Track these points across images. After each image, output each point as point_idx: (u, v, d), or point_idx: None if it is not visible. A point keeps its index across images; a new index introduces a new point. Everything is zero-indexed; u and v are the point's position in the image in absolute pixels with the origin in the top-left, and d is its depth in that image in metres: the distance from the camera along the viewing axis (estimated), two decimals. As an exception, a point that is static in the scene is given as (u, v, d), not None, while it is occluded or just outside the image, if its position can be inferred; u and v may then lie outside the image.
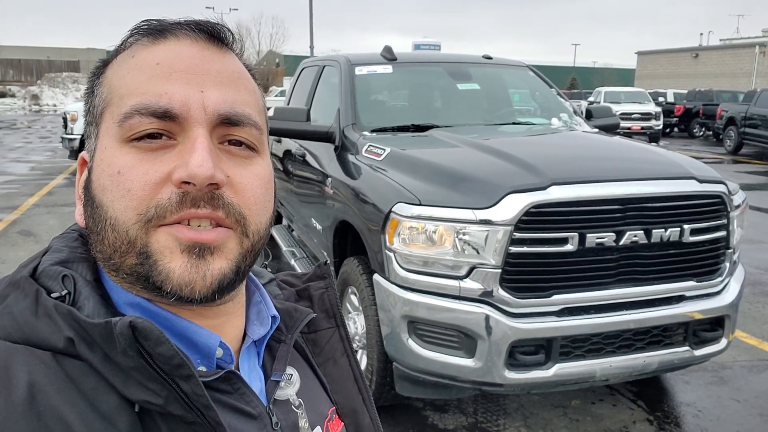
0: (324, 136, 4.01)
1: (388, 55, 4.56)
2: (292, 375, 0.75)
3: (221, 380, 0.64)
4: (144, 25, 0.65)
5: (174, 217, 0.59)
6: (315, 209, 4.22)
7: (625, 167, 2.97)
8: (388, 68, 4.47)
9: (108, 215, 0.60)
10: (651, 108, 21.25)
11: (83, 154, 0.68)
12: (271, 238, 5.96)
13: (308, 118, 4.08)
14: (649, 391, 3.65)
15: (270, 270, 0.85)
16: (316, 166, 4.17)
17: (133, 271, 0.60)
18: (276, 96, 23.52)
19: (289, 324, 0.77)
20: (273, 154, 5.56)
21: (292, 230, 5.65)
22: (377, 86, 4.56)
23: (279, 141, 5.29)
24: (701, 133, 23.22)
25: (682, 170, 2.98)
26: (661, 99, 25.50)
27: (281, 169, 5.25)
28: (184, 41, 0.63)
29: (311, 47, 30.18)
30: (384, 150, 3.45)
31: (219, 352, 0.65)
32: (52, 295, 0.59)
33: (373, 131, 3.92)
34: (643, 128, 20.24)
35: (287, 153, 5.00)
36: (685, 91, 26.60)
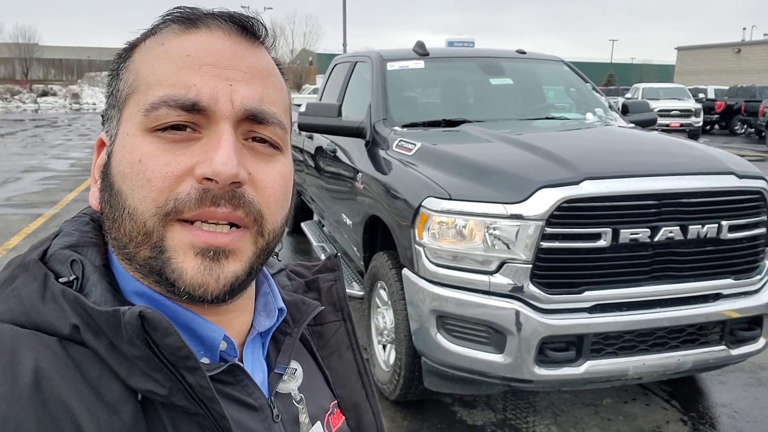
0: (355, 132, 4.02)
1: (420, 51, 4.55)
2: (296, 370, 0.74)
3: (224, 372, 0.64)
4: (176, 12, 0.64)
5: (192, 214, 0.58)
6: (345, 205, 4.24)
7: (660, 161, 2.91)
8: (420, 63, 4.45)
9: (127, 204, 0.59)
10: (691, 104, 20.80)
11: (102, 135, 0.67)
12: (302, 233, 6.01)
13: (339, 114, 4.10)
14: (683, 391, 3.58)
15: (280, 259, 0.83)
16: (347, 161, 4.19)
17: (147, 263, 0.60)
18: (309, 94, 23.67)
19: (296, 317, 0.76)
20: (305, 151, 5.60)
21: (323, 226, 5.68)
22: (409, 81, 4.55)
23: (311, 137, 5.32)
24: (743, 130, 22.62)
25: (720, 165, 2.90)
26: (701, 95, 24.89)
27: (313, 165, 5.28)
28: (216, 33, 0.62)
29: (344, 45, 30.30)
30: (415, 145, 3.44)
31: (223, 345, 0.65)
32: (60, 279, 0.58)
33: (404, 126, 3.91)
34: (682, 125, 19.82)
35: (319, 149, 5.03)
36: (727, 88, 25.92)
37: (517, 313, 2.62)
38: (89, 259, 0.62)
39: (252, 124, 0.62)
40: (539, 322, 2.61)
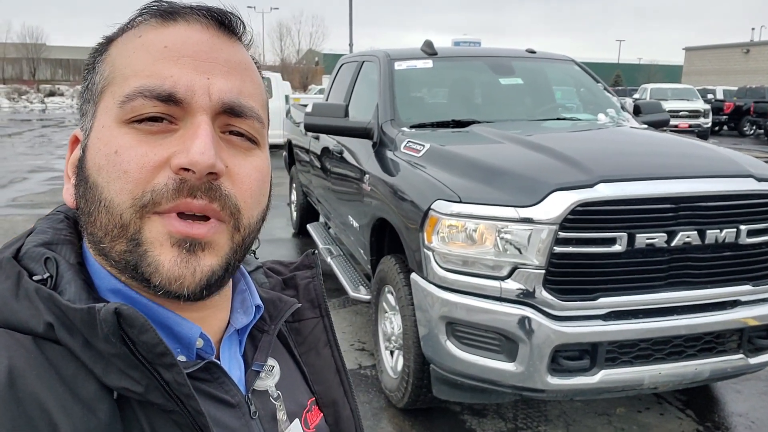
0: (362, 132, 3.95)
1: (429, 50, 4.47)
2: (273, 367, 0.74)
3: (201, 370, 0.63)
4: (154, 6, 0.63)
5: (169, 205, 0.57)
6: (352, 206, 4.16)
7: (677, 164, 2.82)
8: (428, 63, 4.38)
9: (102, 196, 0.58)
10: (699, 105, 20.64)
11: (77, 131, 0.66)
12: (308, 234, 5.95)
13: (346, 114, 4.02)
14: (698, 400, 3.49)
15: (257, 257, 0.83)
16: (354, 162, 4.11)
17: (122, 258, 0.59)
18: (315, 94, 23.65)
19: (273, 314, 0.76)
20: (311, 152, 5.53)
21: (329, 228, 5.61)
22: (417, 81, 4.47)
23: (317, 138, 5.25)
24: (752, 131, 22.42)
25: (738, 167, 2.81)
26: (710, 96, 24.71)
27: (319, 166, 5.21)
28: (194, 26, 0.62)
29: (350, 45, 30.25)
30: (423, 146, 3.36)
31: (199, 343, 0.64)
32: (34, 277, 0.58)
33: (412, 127, 3.84)
34: (691, 126, 19.67)
35: (325, 150, 4.96)
36: (735, 88, 25.71)
37: (530, 320, 2.54)
38: (63, 257, 0.61)
39: (229, 117, 0.62)
40: (552, 330, 2.53)
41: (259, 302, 0.74)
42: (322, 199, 5.32)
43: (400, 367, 3.20)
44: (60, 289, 0.58)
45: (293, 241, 6.85)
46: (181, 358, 0.63)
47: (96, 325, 0.53)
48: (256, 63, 0.69)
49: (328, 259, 4.85)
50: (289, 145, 6.94)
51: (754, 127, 22.18)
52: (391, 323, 3.32)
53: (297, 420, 0.74)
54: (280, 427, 0.72)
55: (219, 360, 0.68)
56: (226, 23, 0.64)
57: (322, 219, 5.99)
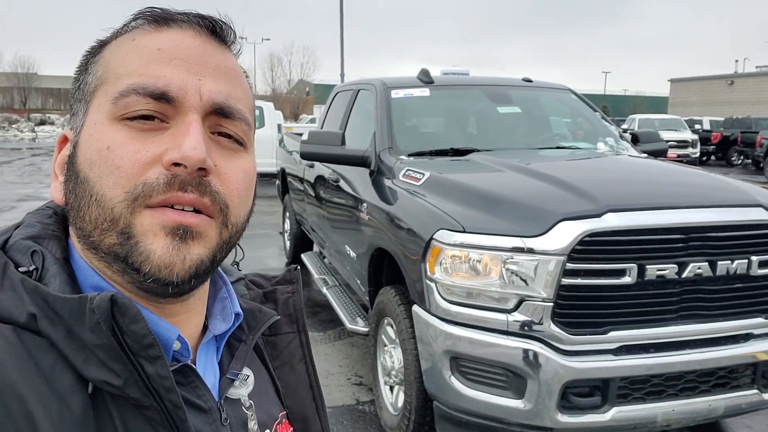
0: (359, 161, 3.88)
1: (425, 78, 4.43)
2: (248, 376, 0.75)
3: (176, 373, 0.63)
4: (148, 12, 0.65)
5: (160, 198, 0.58)
6: (348, 235, 4.07)
7: (686, 193, 2.76)
8: (425, 91, 4.33)
9: (94, 191, 0.59)
10: (687, 135, 20.85)
11: (66, 131, 0.67)
12: (303, 264, 5.83)
13: (343, 142, 3.96)
14: (707, 436, 3.37)
15: (240, 269, 0.85)
16: (350, 191, 4.03)
17: (112, 250, 0.59)
18: (307, 123, 23.69)
19: (251, 324, 0.77)
20: (305, 180, 5.45)
21: (324, 257, 5.50)
22: (414, 109, 4.42)
23: (311, 166, 5.18)
24: (740, 161, 22.64)
25: (748, 197, 2.76)
26: (697, 126, 24.97)
27: (313, 194, 5.13)
28: (187, 32, 0.64)
29: (342, 75, 30.45)
30: (423, 174, 3.29)
31: (176, 345, 0.65)
32: (20, 269, 0.59)
33: (410, 155, 3.77)
34: (679, 156, 19.82)
35: (320, 178, 4.88)
36: (722, 119, 26.03)
37: (538, 354, 2.44)
38: (50, 251, 0.62)
39: (219, 118, 0.64)
40: (561, 365, 2.43)
41: (239, 310, 0.75)
42: (316, 227, 5.23)
43: (400, 403, 3.08)
44: (45, 282, 0.58)
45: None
46: None
47: (84, 315, 0.54)
48: (244, 72, 0.71)
49: (324, 290, 4.74)
50: (283, 174, 6.86)
51: (742, 157, 22.40)
52: (391, 357, 3.21)
53: (268, 430, 0.75)
54: None
55: (195, 365, 0.68)
56: (217, 31, 0.66)
57: (316, 248, 5.89)
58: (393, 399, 3.25)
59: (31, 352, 0.54)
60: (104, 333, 0.54)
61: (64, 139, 0.67)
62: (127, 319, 0.55)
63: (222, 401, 0.70)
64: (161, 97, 0.60)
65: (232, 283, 0.80)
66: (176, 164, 0.58)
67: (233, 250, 0.71)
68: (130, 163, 0.58)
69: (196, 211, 0.61)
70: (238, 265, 0.83)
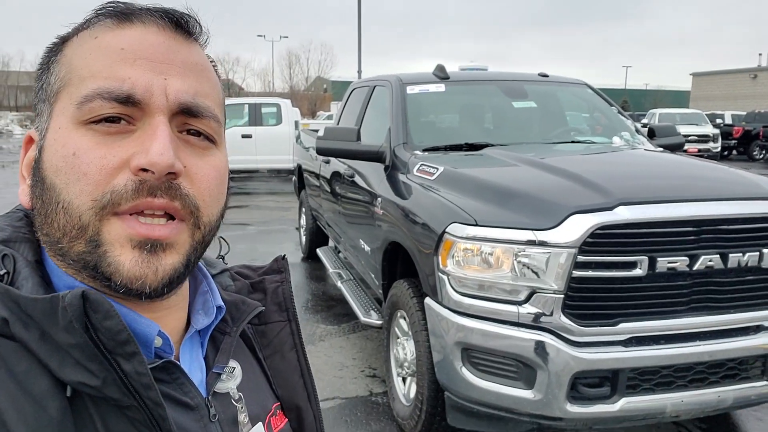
0: (374, 156, 3.93)
1: (441, 74, 4.46)
2: (234, 368, 0.74)
3: (159, 370, 0.62)
4: (110, 7, 0.63)
5: (129, 205, 0.58)
6: (363, 230, 4.12)
7: (698, 186, 2.77)
8: (440, 87, 4.37)
9: (61, 198, 0.58)
10: (708, 130, 20.61)
11: (31, 132, 0.66)
12: (317, 259, 5.89)
13: (359, 138, 4.01)
14: (718, 429, 3.38)
15: (226, 262, 0.84)
16: (365, 186, 4.08)
17: (81, 258, 0.59)
18: (324, 119, 23.78)
19: (235, 316, 0.76)
20: (321, 176, 5.51)
21: (339, 252, 5.56)
22: (429, 105, 4.46)
23: (327, 162, 5.24)
24: (762, 155, 22.33)
25: (761, 190, 2.76)
26: (718, 121, 24.67)
27: (329, 190, 5.19)
28: (150, 28, 0.62)
29: (359, 72, 30.48)
30: (437, 169, 3.33)
31: (158, 341, 0.64)
32: None
33: (424, 150, 3.81)
34: (700, 150, 19.61)
35: (335, 174, 4.94)
36: (743, 113, 25.67)
37: (548, 345, 2.47)
38: (22, 255, 0.61)
39: (186, 117, 0.63)
40: (572, 356, 2.46)
41: (221, 303, 0.74)
42: (332, 223, 5.29)
43: (413, 394, 3.13)
44: (17, 285, 0.57)
45: (302, 266, 6.80)
46: None
47: (57, 314, 0.53)
48: (212, 63, 0.69)
49: (339, 284, 4.80)
50: (299, 170, 6.94)
51: (764, 152, 22.11)
52: (404, 349, 3.26)
53: (260, 423, 0.74)
54: (241, 430, 0.71)
55: (179, 362, 0.67)
56: (182, 24, 0.64)
57: (331, 243, 5.95)
58: (405, 390, 3.30)
59: (3, 357, 0.53)
60: (78, 331, 0.53)
61: (30, 140, 0.65)
62: (100, 315, 0.53)
63: (210, 397, 0.69)
64: (127, 100, 0.59)
65: (216, 275, 0.79)
66: (144, 170, 0.57)
67: (219, 243, 0.72)
68: (97, 169, 0.57)
69: (167, 214, 0.60)
70: (223, 258, 0.82)
